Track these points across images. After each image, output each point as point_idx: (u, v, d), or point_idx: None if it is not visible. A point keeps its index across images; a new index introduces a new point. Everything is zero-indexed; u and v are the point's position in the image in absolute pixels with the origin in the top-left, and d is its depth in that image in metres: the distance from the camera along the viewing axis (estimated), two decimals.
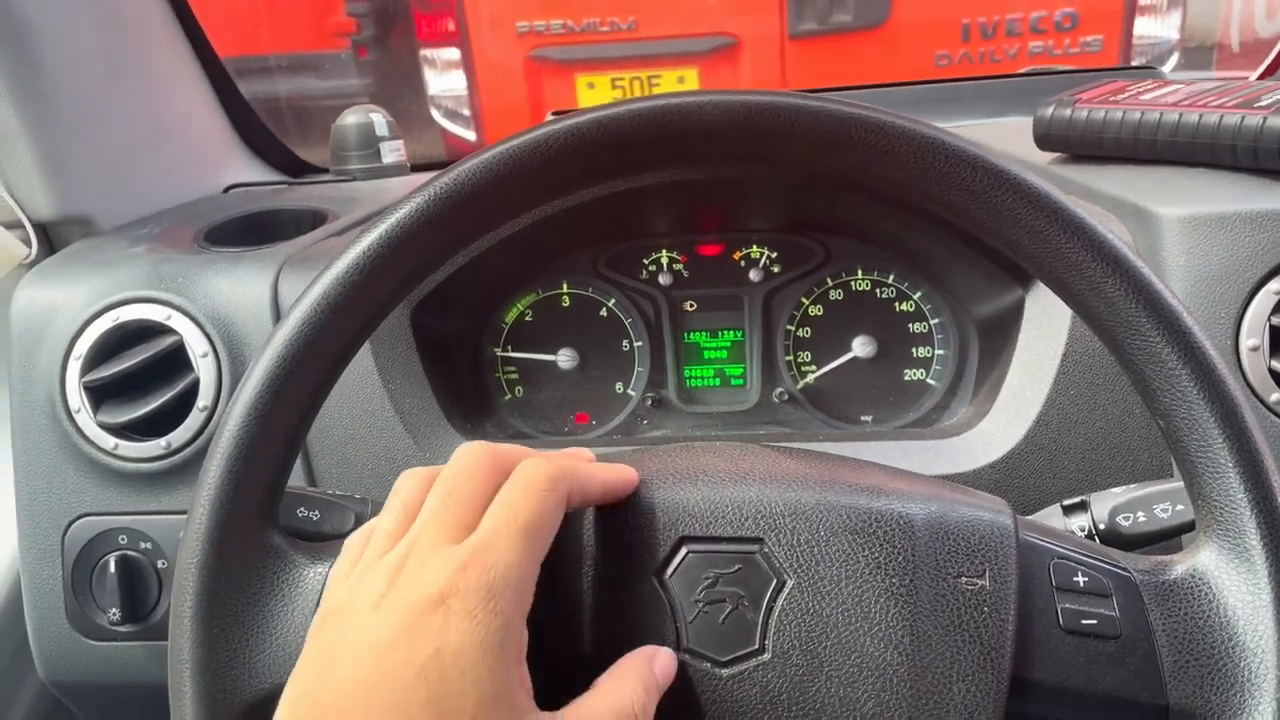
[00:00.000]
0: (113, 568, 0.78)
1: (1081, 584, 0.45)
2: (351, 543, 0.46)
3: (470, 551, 0.39)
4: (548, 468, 0.43)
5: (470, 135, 3.85)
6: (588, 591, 0.46)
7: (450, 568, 0.38)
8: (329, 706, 0.37)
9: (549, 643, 0.45)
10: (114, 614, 0.78)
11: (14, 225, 0.90)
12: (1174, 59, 3.50)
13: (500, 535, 0.40)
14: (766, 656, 0.44)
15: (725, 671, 0.45)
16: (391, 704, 0.36)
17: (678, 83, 3.59)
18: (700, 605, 0.45)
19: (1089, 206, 0.56)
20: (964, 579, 0.45)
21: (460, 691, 0.37)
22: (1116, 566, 0.46)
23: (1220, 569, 0.45)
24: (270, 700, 0.48)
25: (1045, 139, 0.87)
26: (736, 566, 0.46)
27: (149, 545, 0.79)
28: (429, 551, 0.40)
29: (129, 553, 0.79)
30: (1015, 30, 3.43)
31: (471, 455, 0.44)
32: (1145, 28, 3.44)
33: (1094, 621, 0.44)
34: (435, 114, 3.90)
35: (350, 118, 1.19)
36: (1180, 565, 0.46)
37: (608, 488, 0.46)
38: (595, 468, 0.47)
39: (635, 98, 0.48)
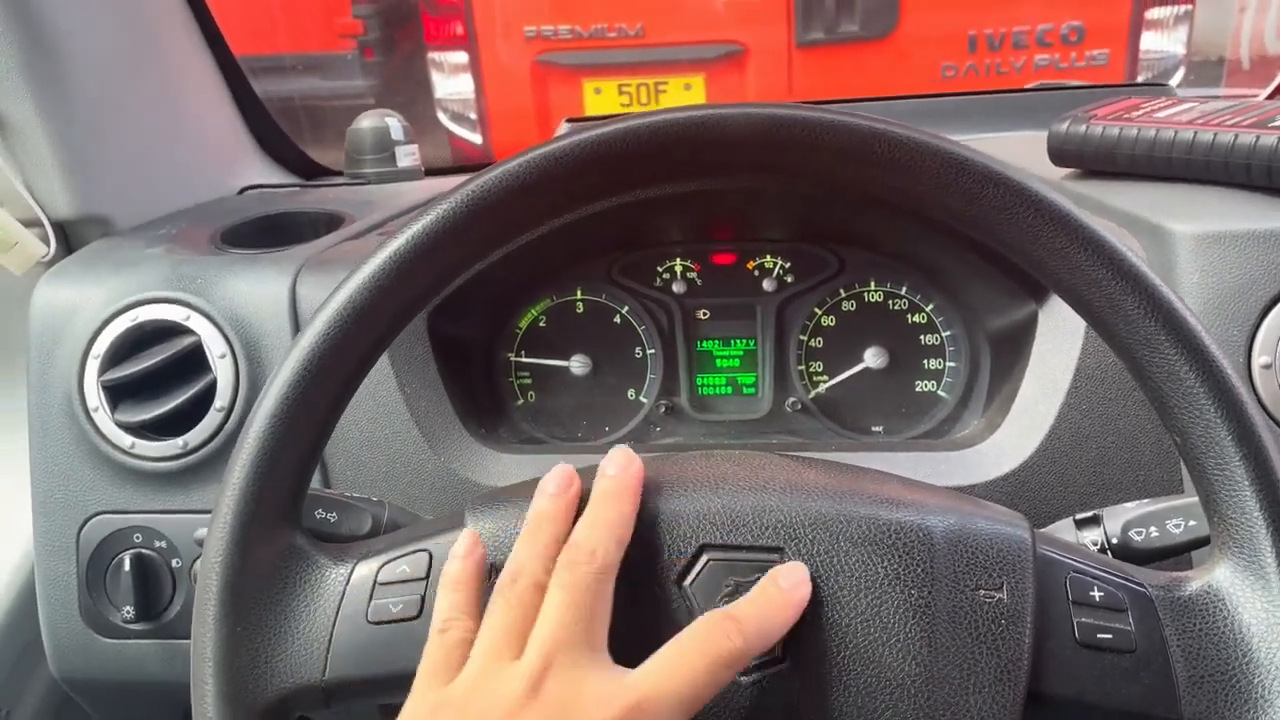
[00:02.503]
0: (127, 566, 0.78)
1: (1097, 598, 0.46)
2: (434, 654, 0.45)
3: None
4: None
5: (476, 139, 3.85)
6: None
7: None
8: None
9: None
10: (127, 612, 0.78)
11: (33, 224, 0.91)
12: (1180, 74, 3.50)
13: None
14: (786, 665, 0.45)
15: (745, 679, 0.45)
16: None
17: (684, 90, 3.59)
18: None
19: (1107, 224, 0.56)
20: (982, 592, 0.45)
21: None
22: (1132, 581, 0.47)
23: (1235, 585, 0.45)
24: (291, 700, 0.48)
25: (1059, 154, 0.87)
26: (757, 575, 0.46)
27: (164, 544, 0.79)
28: (572, 670, 0.41)
29: (144, 551, 0.79)
30: (1022, 43, 3.43)
31: (573, 561, 0.45)
32: (1152, 42, 3.44)
33: (1110, 636, 0.45)
34: (442, 117, 3.90)
35: (366, 121, 1.20)
36: (1196, 581, 0.46)
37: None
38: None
39: (657, 110, 0.48)
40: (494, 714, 0.40)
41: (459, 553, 0.48)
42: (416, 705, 0.43)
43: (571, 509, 0.48)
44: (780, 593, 0.44)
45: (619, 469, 0.48)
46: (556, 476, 0.49)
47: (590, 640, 0.43)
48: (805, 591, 0.45)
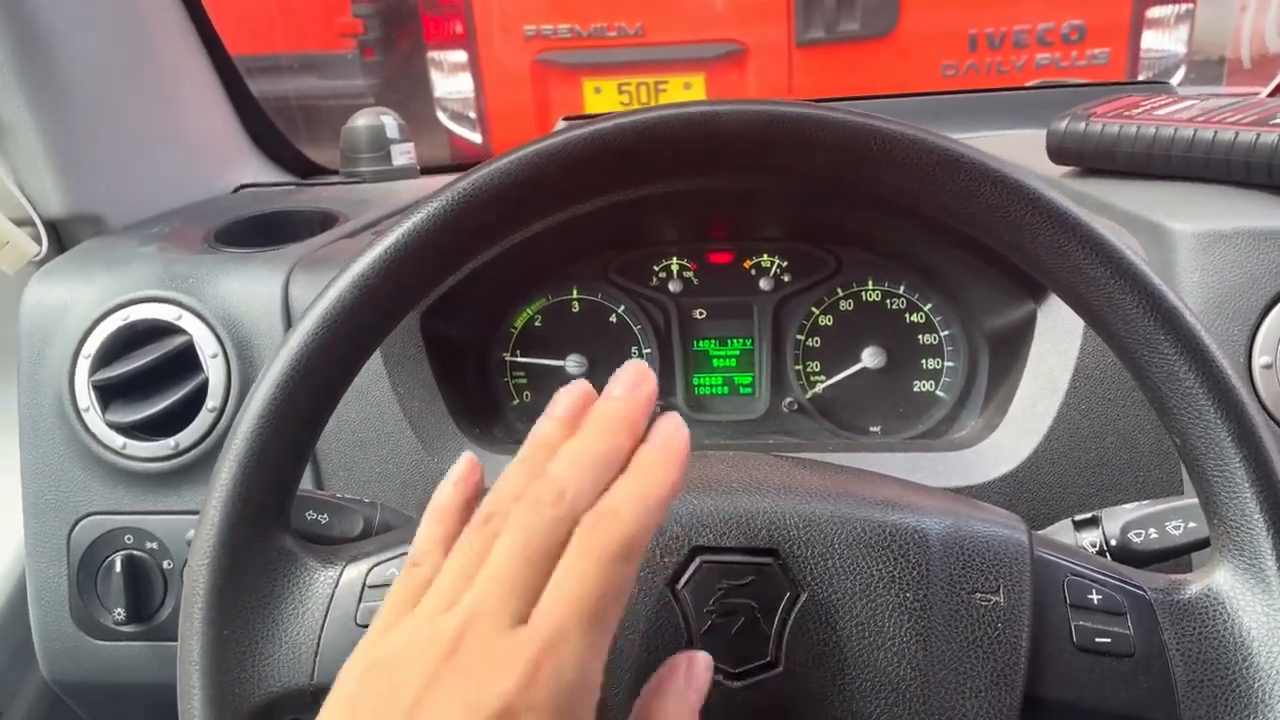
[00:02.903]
0: (118, 567, 0.78)
1: (1096, 601, 0.45)
2: (398, 592, 0.40)
3: (539, 649, 0.34)
4: (615, 535, 0.36)
5: (476, 138, 3.86)
6: None
7: (520, 674, 0.33)
8: None
9: None
10: (119, 614, 0.78)
11: (24, 222, 0.90)
12: (1181, 73, 3.50)
13: (571, 626, 0.34)
14: (779, 670, 0.44)
15: (737, 684, 0.44)
16: None
17: (684, 89, 3.59)
18: (712, 616, 0.45)
19: (1106, 222, 0.56)
20: (978, 595, 0.44)
21: None
22: (1131, 584, 0.46)
23: (1236, 589, 0.45)
24: (278, 703, 0.48)
25: (1059, 152, 0.87)
26: (750, 578, 0.45)
27: (155, 545, 0.79)
28: (491, 631, 0.35)
29: (135, 553, 0.78)
30: (1022, 42, 3.43)
31: (536, 498, 0.38)
32: (1152, 41, 3.44)
33: (1108, 640, 0.44)
34: (441, 116, 3.90)
35: (361, 120, 1.19)
36: (1195, 584, 0.46)
37: (680, 477, 0.40)
38: (663, 481, 0.39)
39: (652, 106, 0.48)
40: (412, 679, 0.34)
41: (451, 478, 0.44)
42: (357, 657, 0.38)
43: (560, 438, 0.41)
44: (652, 452, 0.39)
45: (626, 388, 0.41)
46: (563, 396, 0.43)
47: (524, 591, 0.35)
48: (681, 440, 0.40)
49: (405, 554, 0.49)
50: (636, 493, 0.38)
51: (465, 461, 0.45)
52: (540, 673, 0.33)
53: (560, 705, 0.34)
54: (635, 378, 0.42)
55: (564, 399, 0.43)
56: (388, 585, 0.48)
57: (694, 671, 0.41)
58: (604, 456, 0.39)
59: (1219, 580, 0.45)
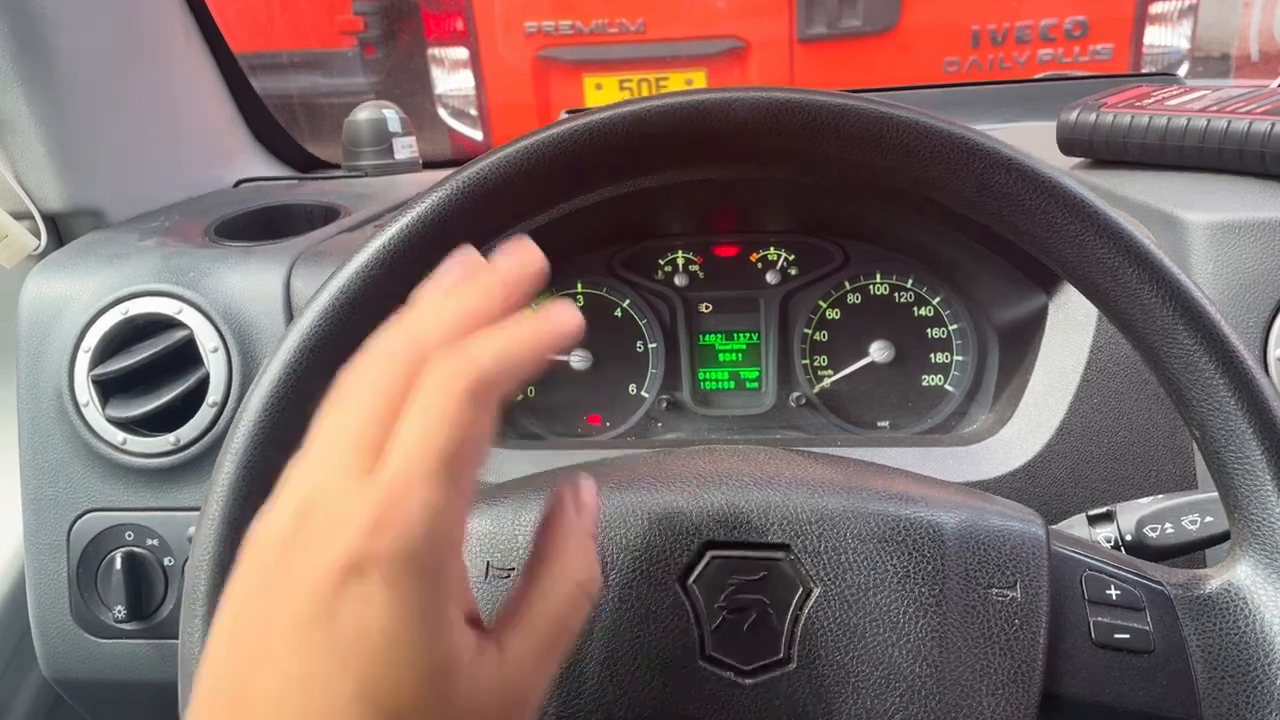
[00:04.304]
0: (119, 564, 0.77)
1: (1114, 597, 0.44)
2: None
3: (383, 500, 0.31)
4: (467, 372, 0.33)
5: (477, 134, 3.85)
6: (609, 596, 0.45)
7: (362, 526, 0.31)
8: (242, 701, 0.31)
9: (568, 651, 0.44)
10: (119, 611, 0.77)
11: (24, 216, 0.90)
12: (1184, 69, 3.49)
13: (417, 473, 0.32)
14: (792, 666, 0.43)
15: (749, 681, 0.44)
16: (317, 691, 0.31)
17: (686, 85, 3.57)
18: (724, 613, 0.44)
19: (1124, 213, 0.55)
20: (994, 590, 0.44)
21: (397, 667, 0.31)
22: (1150, 580, 0.45)
23: (1256, 584, 0.44)
24: None
25: (1069, 143, 0.86)
26: (762, 573, 0.45)
27: (155, 542, 0.78)
28: (337, 490, 0.33)
29: (135, 549, 0.78)
30: (1025, 38, 3.42)
31: (376, 351, 0.36)
32: (1155, 37, 3.43)
33: (1127, 636, 0.43)
34: (442, 113, 3.90)
35: (363, 113, 1.18)
36: (1215, 579, 0.45)
37: (551, 348, 0.37)
38: (527, 337, 0.36)
39: (658, 94, 0.47)
40: (270, 553, 0.33)
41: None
42: (263, 521, 0.35)
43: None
44: (530, 316, 0.37)
45: (510, 257, 0.39)
46: (450, 263, 0.39)
47: (371, 446, 0.33)
48: (568, 316, 0.38)
49: None
50: (497, 339, 0.35)
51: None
52: (385, 525, 0.31)
53: (412, 558, 0.31)
54: (520, 251, 0.39)
55: (450, 266, 0.39)
56: None
57: (582, 499, 0.40)
58: (465, 310, 0.36)
59: (1240, 575, 0.44)
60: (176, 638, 0.47)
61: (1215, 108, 0.77)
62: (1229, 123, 0.74)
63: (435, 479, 0.32)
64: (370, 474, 0.32)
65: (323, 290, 0.48)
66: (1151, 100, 0.83)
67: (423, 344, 0.35)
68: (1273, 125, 0.71)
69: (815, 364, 0.88)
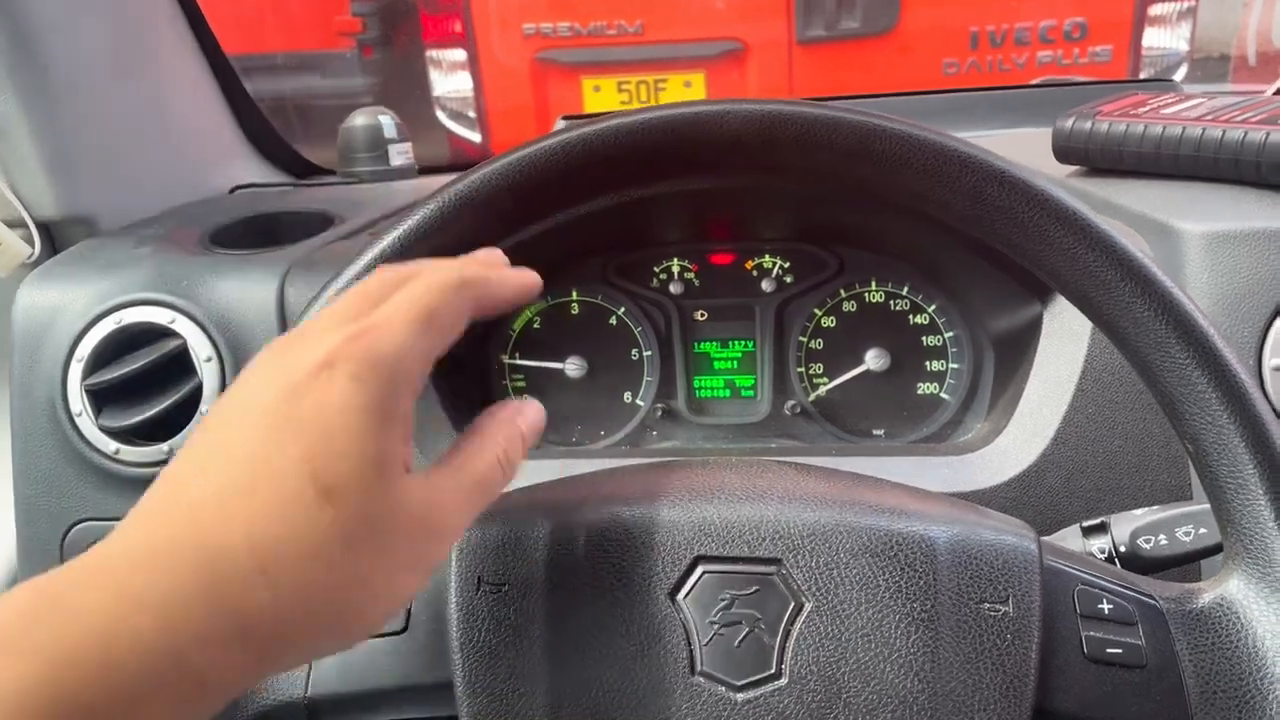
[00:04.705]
0: None
1: (1107, 611, 0.44)
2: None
3: (361, 327, 0.38)
4: (459, 272, 0.41)
5: (475, 137, 3.85)
6: (600, 611, 0.45)
7: (338, 338, 0.37)
8: (212, 485, 0.35)
9: (559, 666, 0.44)
10: None
11: (17, 224, 0.89)
12: (1183, 70, 3.49)
13: (395, 318, 0.38)
14: (783, 681, 0.43)
15: (740, 696, 0.43)
16: (266, 465, 0.35)
17: (684, 87, 3.59)
18: (716, 627, 0.44)
19: (1116, 224, 0.55)
20: (986, 605, 0.44)
21: (341, 452, 0.35)
22: (1143, 594, 0.45)
23: (1249, 598, 0.44)
24: (272, 716, 0.47)
25: (1064, 151, 0.86)
26: (754, 588, 0.44)
27: None
28: (319, 332, 0.38)
29: None
30: (1024, 40, 3.43)
31: (377, 271, 0.43)
32: (1154, 39, 3.43)
33: (1119, 650, 0.43)
34: (440, 115, 3.90)
35: (358, 119, 1.18)
36: (1208, 593, 0.45)
37: (516, 299, 0.44)
38: (506, 275, 0.44)
39: (653, 106, 0.47)
40: (240, 386, 0.38)
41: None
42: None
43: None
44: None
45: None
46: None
47: (357, 315, 0.39)
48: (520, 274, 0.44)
49: None
50: (479, 266, 0.43)
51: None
52: (362, 337, 0.37)
53: (378, 363, 0.37)
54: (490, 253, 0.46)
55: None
56: None
57: (525, 410, 0.45)
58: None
59: (1232, 589, 0.44)
60: None
61: (1210, 116, 0.77)
62: (1224, 132, 0.74)
63: (410, 326, 0.38)
64: (356, 322, 0.38)
65: (316, 300, 0.48)
66: (1147, 108, 0.83)
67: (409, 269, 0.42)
68: (1268, 134, 0.71)
69: (811, 372, 0.88)
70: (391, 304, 0.39)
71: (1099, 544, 0.57)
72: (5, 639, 0.30)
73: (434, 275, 0.41)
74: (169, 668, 0.31)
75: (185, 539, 0.33)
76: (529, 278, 0.45)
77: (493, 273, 0.43)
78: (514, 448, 0.43)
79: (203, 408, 0.76)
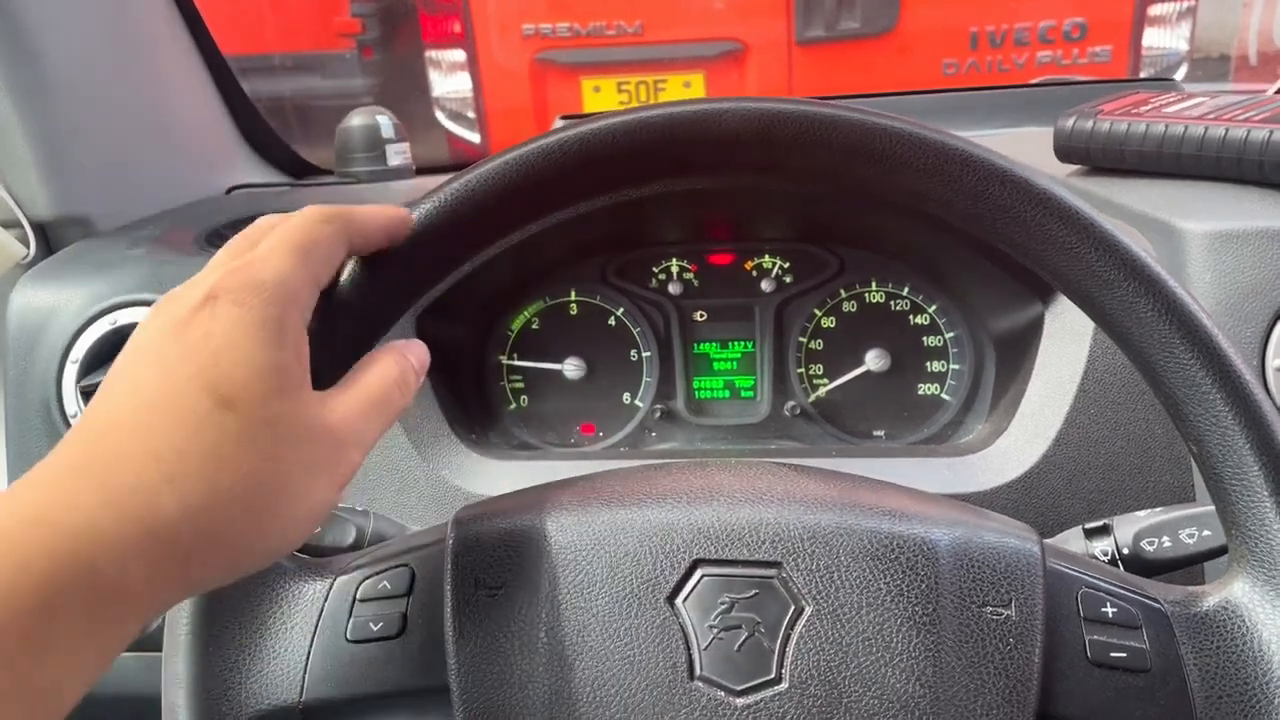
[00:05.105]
0: None
1: (1110, 615, 0.44)
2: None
3: (242, 262, 0.40)
4: (325, 207, 0.44)
5: (474, 137, 3.85)
6: (598, 615, 0.44)
7: (220, 273, 0.39)
8: (112, 409, 0.37)
9: (556, 670, 0.44)
10: None
11: (12, 225, 0.89)
12: (1183, 70, 3.49)
13: (272, 250, 0.40)
14: (783, 686, 0.43)
15: (740, 701, 0.43)
16: (161, 388, 0.36)
17: (684, 88, 3.58)
18: (715, 631, 0.44)
19: (1119, 223, 0.55)
20: (989, 608, 0.43)
21: (232, 362, 0.37)
22: (1146, 597, 0.45)
23: (1254, 601, 0.43)
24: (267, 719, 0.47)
25: (1066, 151, 0.85)
26: (753, 592, 0.44)
27: None
28: (204, 274, 0.40)
29: None
30: (1024, 40, 3.42)
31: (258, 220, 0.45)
32: (1154, 39, 3.43)
33: (1123, 654, 0.43)
34: (440, 116, 3.89)
35: (356, 119, 1.18)
36: (1212, 596, 0.44)
37: (388, 230, 0.45)
38: (374, 210, 0.45)
39: (650, 104, 0.46)
40: (138, 333, 0.40)
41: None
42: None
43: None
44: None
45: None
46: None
47: (243, 252, 0.42)
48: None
49: (398, 566, 0.48)
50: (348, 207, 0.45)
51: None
52: (238, 273, 0.39)
53: (258, 288, 0.39)
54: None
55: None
56: (379, 599, 0.47)
57: (412, 346, 0.47)
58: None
59: (1237, 592, 0.44)
60: (160, 651, 0.46)
61: (1213, 115, 0.77)
62: (1227, 130, 0.74)
63: (286, 255, 0.40)
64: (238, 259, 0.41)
65: None
66: (1149, 107, 0.83)
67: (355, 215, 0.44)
68: (1271, 133, 0.71)
69: (811, 373, 0.88)
70: (265, 242, 0.41)
71: (1101, 546, 0.57)
72: None
73: (305, 212, 0.43)
74: (80, 574, 0.32)
75: (89, 458, 0.35)
76: (398, 210, 0.46)
77: (359, 209, 0.45)
78: (407, 374, 0.45)
79: None
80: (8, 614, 0.30)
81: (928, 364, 0.86)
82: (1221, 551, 0.52)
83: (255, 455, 0.36)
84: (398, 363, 0.45)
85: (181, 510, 0.34)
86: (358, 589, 0.48)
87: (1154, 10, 3.41)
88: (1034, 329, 0.75)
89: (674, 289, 0.88)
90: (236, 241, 0.43)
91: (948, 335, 0.85)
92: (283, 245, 0.41)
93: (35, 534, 0.32)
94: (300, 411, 0.39)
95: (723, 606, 0.44)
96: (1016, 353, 0.78)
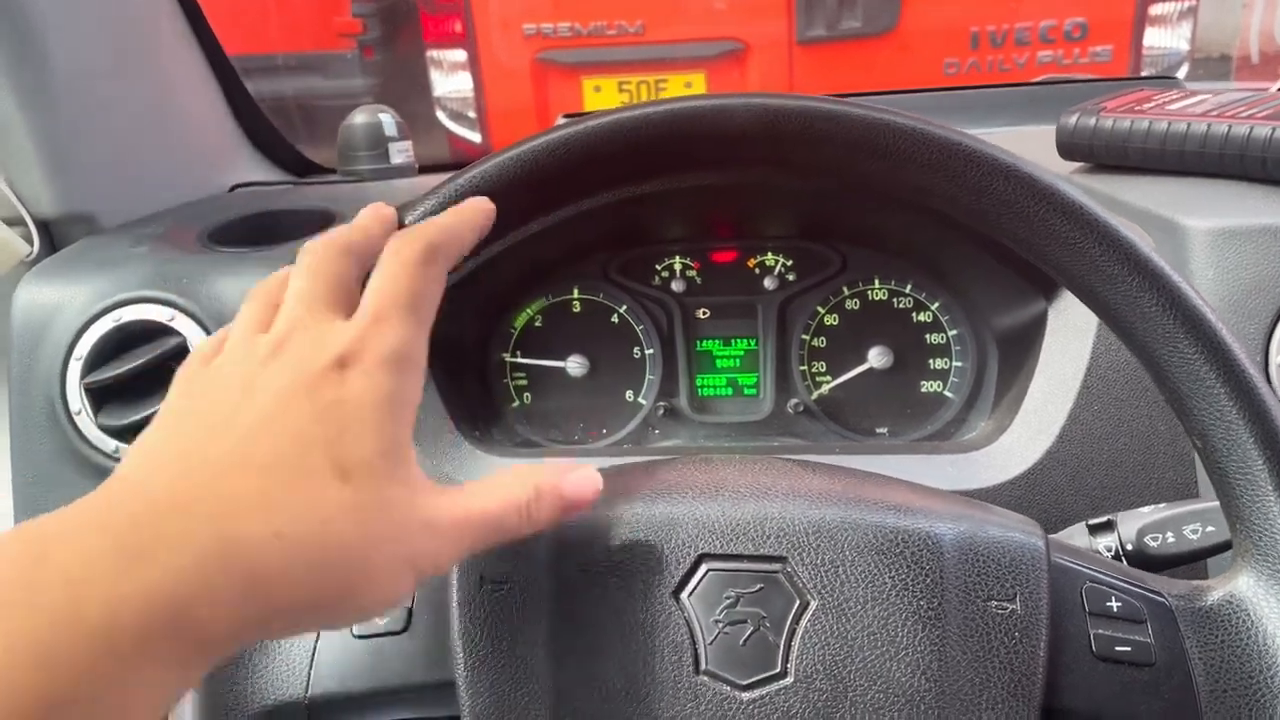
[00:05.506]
0: None
1: (1115, 609, 0.44)
2: (202, 343, 0.44)
3: (363, 324, 0.39)
4: (423, 239, 0.43)
5: (475, 137, 3.85)
6: (603, 610, 0.44)
7: (345, 338, 0.39)
8: (224, 452, 0.36)
9: (563, 665, 0.44)
10: None
11: (16, 222, 0.89)
12: (1184, 70, 3.49)
13: (389, 311, 0.40)
14: (789, 680, 0.43)
15: (746, 695, 0.43)
16: (290, 446, 0.36)
17: (685, 88, 3.59)
18: (721, 626, 0.44)
19: (1124, 219, 0.55)
20: (994, 603, 0.43)
21: (358, 439, 0.37)
22: (1151, 592, 0.45)
23: (1258, 595, 0.43)
24: (272, 717, 0.47)
25: (1069, 148, 0.85)
26: (758, 586, 0.44)
27: None
28: (314, 325, 0.40)
29: None
30: (1024, 39, 3.43)
31: (326, 238, 0.43)
32: (1155, 38, 3.43)
33: (1128, 648, 0.43)
34: (441, 115, 3.90)
35: (359, 117, 1.18)
36: (1217, 591, 0.44)
37: (478, 233, 0.45)
38: (459, 218, 0.45)
39: (654, 100, 0.47)
40: (243, 370, 0.39)
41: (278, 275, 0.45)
42: (174, 381, 0.41)
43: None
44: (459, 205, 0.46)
45: (369, 216, 0.46)
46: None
47: (331, 303, 0.41)
48: (481, 201, 0.46)
49: None
50: (436, 220, 0.44)
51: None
52: (367, 339, 0.39)
53: (385, 364, 0.39)
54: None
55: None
56: None
57: (576, 475, 0.44)
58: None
59: (1241, 586, 0.44)
60: None
61: (1216, 112, 0.77)
62: (1230, 127, 0.74)
63: (401, 315, 0.40)
64: (345, 317, 0.40)
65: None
66: (1152, 104, 0.83)
67: (368, 235, 0.44)
68: (1274, 130, 0.71)
69: (813, 370, 0.88)
70: (377, 295, 0.41)
71: (1105, 542, 0.57)
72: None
73: (403, 253, 0.42)
74: (177, 619, 0.31)
75: (203, 499, 0.34)
76: (481, 209, 0.46)
77: (449, 221, 0.44)
78: (546, 504, 0.42)
79: None
80: (104, 647, 0.30)
81: (931, 361, 0.86)
82: (1225, 547, 0.52)
83: (363, 534, 0.36)
84: (534, 489, 0.42)
85: (284, 569, 0.34)
86: None
87: (1155, 10, 3.41)
88: (1037, 326, 0.75)
89: (677, 286, 0.88)
90: (324, 278, 0.41)
91: (950, 332, 0.85)
92: (401, 306, 0.40)
93: (138, 573, 0.31)
94: (413, 501, 0.38)
95: (728, 601, 0.44)
96: (1019, 349, 0.78)
